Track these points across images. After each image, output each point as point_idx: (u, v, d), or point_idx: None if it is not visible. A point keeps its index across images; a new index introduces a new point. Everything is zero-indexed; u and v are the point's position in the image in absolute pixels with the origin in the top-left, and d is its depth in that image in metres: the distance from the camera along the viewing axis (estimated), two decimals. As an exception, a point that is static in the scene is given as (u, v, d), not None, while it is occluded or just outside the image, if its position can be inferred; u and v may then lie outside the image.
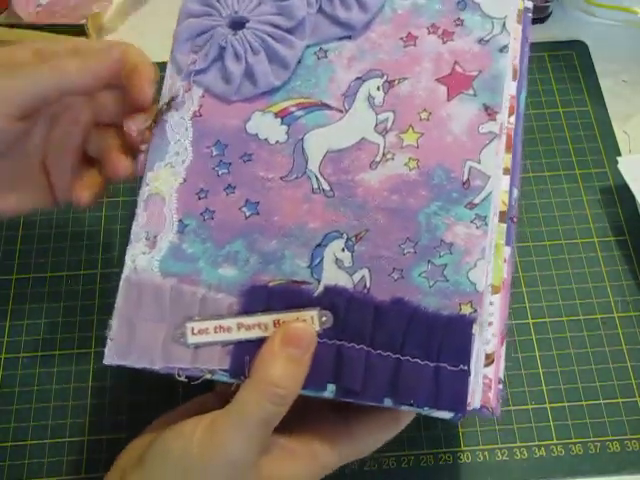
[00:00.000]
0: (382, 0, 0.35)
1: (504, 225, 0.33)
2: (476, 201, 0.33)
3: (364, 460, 0.40)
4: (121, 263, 0.33)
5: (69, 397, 0.42)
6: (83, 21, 0.54)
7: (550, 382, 0.43)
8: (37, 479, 0.40)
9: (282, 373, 0.30)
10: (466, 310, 0.31)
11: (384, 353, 0.31)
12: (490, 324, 0.32)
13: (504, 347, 0.34)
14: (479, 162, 0.33)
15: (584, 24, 0.57)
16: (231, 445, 0.29)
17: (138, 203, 0.33)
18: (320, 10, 0.35)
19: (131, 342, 0.32)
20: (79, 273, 0.46)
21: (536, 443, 0.41)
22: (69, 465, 0.40)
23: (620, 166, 0.48)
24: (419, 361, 0.31)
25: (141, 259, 0.33)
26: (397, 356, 0.31)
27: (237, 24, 0.35)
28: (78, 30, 0.53)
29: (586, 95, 0.53)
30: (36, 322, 0.44)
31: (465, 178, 0.33)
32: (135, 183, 0.36)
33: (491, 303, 0.32)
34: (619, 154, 0.50)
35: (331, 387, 0.31)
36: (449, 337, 0.31)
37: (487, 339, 0.32)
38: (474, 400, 0.31)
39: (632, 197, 0.47)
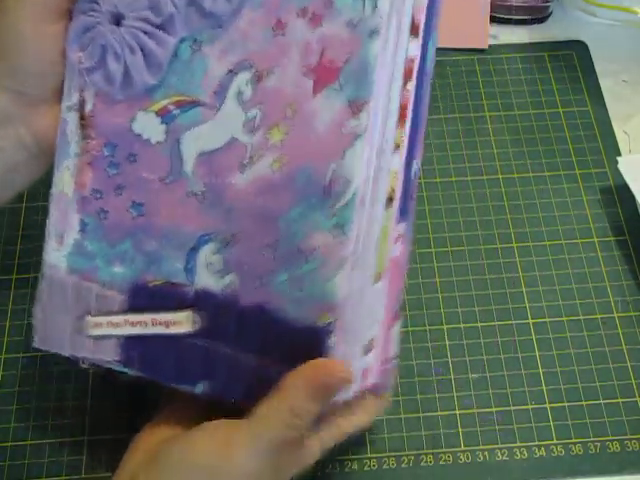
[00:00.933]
0: None
1: (392, 210, 0.33)
2: (336, 208, 0.30)
3: (364, 460, 0.40)
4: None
5: (69, 397, 0.42)
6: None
7: (550, 382, 0.43)
8: (37, 479, 0.40)
9: (304, 407, 0.30)
10: (324, 320, 0.31)
11: (248, 356, 0.32)
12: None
13: (398, 325, 0.36)
14: (342, 165, 0.30)
15: (584, 24, 0.57)
16: (249, 466, 0.30)
17: (50, 201, 0.35)
18: (191, 1, 0.32)
19: (47, 330, 0.35)
20: (79, 273, 0.46)
21: (536, 443, 0.41)
22: (69, 465, 0.40)
23: (620, 166, 0.48)
24: (279, 367, 0.31)
25: (52, 256, 0.34)
26: (264, 361, 0.32)
27: (117, 20, 0.33)
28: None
29: (586, 95, 0.53)
30: (36, 322, 0.44)
31: (327, 182, 0.30)
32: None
33: None
34: (619, 154, 0.50)
35: (200, 385, 0.33)
36: (306, 347, 0.31)
37: (363, 337, 0.33)
38: (347, 392, 0.32)
39: (632, 197, 0.47)
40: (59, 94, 0.35)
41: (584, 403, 0.42)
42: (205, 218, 0.32)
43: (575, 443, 0.41)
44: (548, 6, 0.56)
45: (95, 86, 0.33)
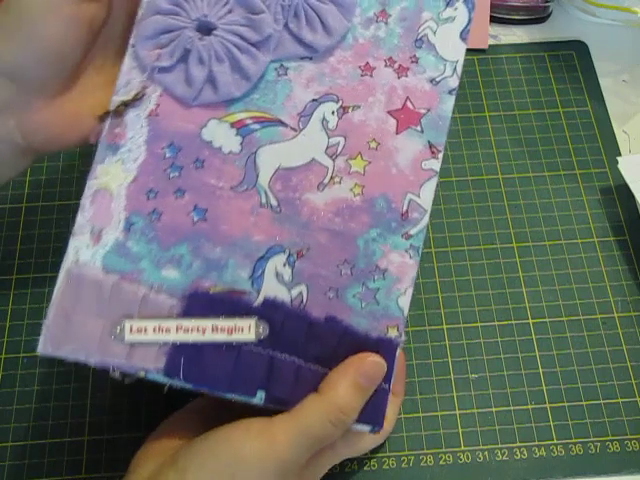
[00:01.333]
0: (346, 28, 0.35)
1: None
2: (412, 232, 0.34)
3: (364, 460, 0.40)
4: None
5: (69, 397, 0.42)
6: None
7: (550, 382, 0.43)
8: (37, 479, 0.40)
9: (350, 400, 0.31)
10: (392, 333, 0.33)
11: (314, 367, 0.32)
12: None
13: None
14: (419, 196, 0.34)
15: (584, 24, 0.57)
16: (288, 454, 0.30)
17: (85, 194, 0.33)
18: (286, 27, 0.34)
19: (67, 334, 0.32)
20: (79, 273, 0.46)
21: (536, 443, 0.41)
22: (69, 465, 0.40)
23: (620, 166, 0.47)
24: None
25: (84, 252, 0.32)
26: (326, 371, 0.33)
27: (205, 29, 0.34)
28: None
29: (586, 95, 0.53)
30: (36, 322, 0.44)
31: (404, 209, 0.34)
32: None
33: None
34: (619, 154, 0.50)
35: (260, 394, 0.32)
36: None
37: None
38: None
39: (632, 197, 0.47)
40: (58, 91, 0.34)
41: (584, 403, 0.42)
42: (278, 229, 0.33)
43: (575, 443, 0.41)
44: (548, 6, 0.56)
45: (165, 87, 0.34)
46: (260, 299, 0.33)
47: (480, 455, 0.40)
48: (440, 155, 0.35)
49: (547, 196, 0.49)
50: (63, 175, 0.49)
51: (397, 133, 0.35)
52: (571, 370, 0.43)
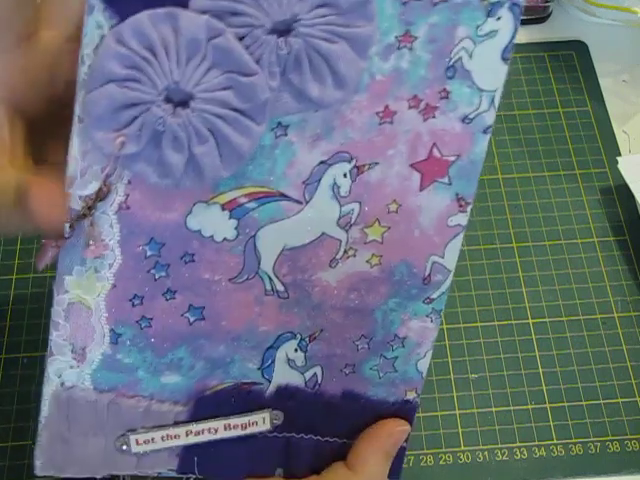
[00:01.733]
0: (362, 69, 0.26)
1: None
2: (434, 296, 0.30)
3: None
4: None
5: (69, 397, 0.42)
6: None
7: (550, 382, 0.43)
8: (37, 479, 0.40)
9: (382, 471, 0.31)
10: (411, 395, 0.32)
11: (332, 439, 0.32)
12: None
13: None
14: (443, 256, 0.30)
15: (584, 24, 0.56)
16: None
17: (54, 310, 0.28)
18: (284, 78, 0.25)
19: (68, 456, 0.30)
20: (79, 273, 0.46)
21: (536, 443, 0.41)
22: (69, 465, 0.40)
23: (620, 166, 0.48)
24: None
25: (69, 374, 0.29)
26: (344, 440, 0.32)
27: (177, 98, 0.25)
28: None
29: (586, 95, 0.53)
30: (36, 322, 0.44)
31: (427, 274, 0.30)
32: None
33: None
34: (619, 154, 0.50)
35: (279, 471, 0.32)
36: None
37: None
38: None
39: (632, 197, 0.47)
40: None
41: (584, 403, 0.42)
42: (287, 316, 0.30)
43: (575, 443, 0.41)
44: (548, 6, 0.56)
45: (134, 175, 0.26)
46: (272, 388, 0.31)
47: (480, 455, 0.40)
48: (469, 208, 0.29)
49: (547, 196, 0.49)
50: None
51: (421, 189, 0.28)
52: (571, 370, 0.43)
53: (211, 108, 0.25)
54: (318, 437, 0.32)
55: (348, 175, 0.28)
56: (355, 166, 0.28)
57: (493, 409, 0.42)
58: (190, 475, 0.31)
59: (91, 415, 0.30)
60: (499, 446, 0.41)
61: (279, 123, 0.26)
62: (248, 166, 0.27)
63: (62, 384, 0.29)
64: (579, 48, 0.55)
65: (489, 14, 0.26)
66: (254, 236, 0.28)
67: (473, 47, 0.27)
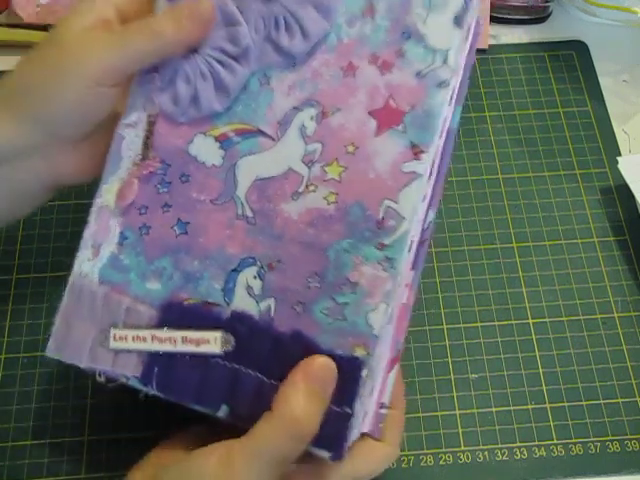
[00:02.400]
0: (326, 29, 0.33)
1: (409, 257, 0.33)
2: (386, 242, 0.32)
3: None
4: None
5: (69, 397, 0.42)
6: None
7: (550, 382, 0.43)
8: (37, 479, 0.40)
9: (305, 408, 0.29)
10: (359, 352, 0.31)
11: (275, 383, 0.31)
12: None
13: (394, 371, 0.35)
14: (397, 202, 0.32)
15: (584, 24, 0.57)
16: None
17: (90, 212, 0.34)
18: (267, 37, 0.34)
19: (66, 339, 0.34)
20: (79, 273, 0.46)
21: (536, 443, 0.41)
22: (69, 465, 0.40)
23: (620, 166, 0.48)
24: None
25: (85, 265, 0.34)
26: None
27: (194, 48, 0.34)
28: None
29: (586, 95, 0.53)
30: (36, 322, 0.44)
31: (380, 217, 0.32)
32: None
33: None
34: (619, 154, 0.50)
35: (225, 408, 0.32)
36: (338, 377, 0.31)
37: (378, 376, 0.33)
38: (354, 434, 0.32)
39: (632, 197, 0.47)
40: (86, 135, 0.35)
41: (584, 403, 0.42)
42: (251, 241, 0.33)
43: (575, 443, 0.41)
44: (548, 6, 0.56)
45: (160, 107, 0.34)
46: (229, 312, 0.33)
47: (480, 455, 0.40)
48: (425, 156, 0.32)
49: (547, 196, 0.49)
50: (63, 175, 0.49)
51: (377, 135, 0.32)
52: (571, 370, 0.43)
53: (212, 53, 0.34)
54: (263, 377, 0.32)
55: (314, 118, 0.33)
56: (321, 111, 0.33)
57: (493, 409, 0.42)
58: (149, 389, 0.33)
59: (90, 304, 0.34)
60: (499, 446, 0.41)
61: (264, 74, 0.34)
62: (238, 107, 0.34)
63: (80, 273, 0.34)
64: (579, 48, 0.55)
65: None
66: (235, 164, 0.34)
67: (426, 15, 0.33)
